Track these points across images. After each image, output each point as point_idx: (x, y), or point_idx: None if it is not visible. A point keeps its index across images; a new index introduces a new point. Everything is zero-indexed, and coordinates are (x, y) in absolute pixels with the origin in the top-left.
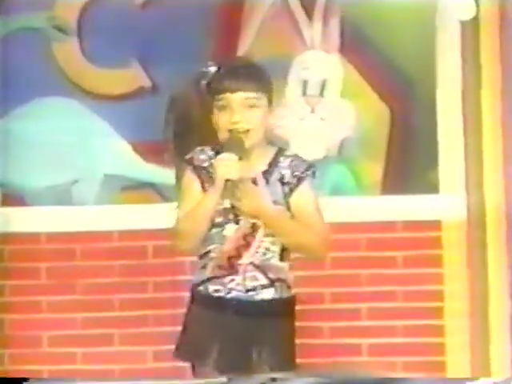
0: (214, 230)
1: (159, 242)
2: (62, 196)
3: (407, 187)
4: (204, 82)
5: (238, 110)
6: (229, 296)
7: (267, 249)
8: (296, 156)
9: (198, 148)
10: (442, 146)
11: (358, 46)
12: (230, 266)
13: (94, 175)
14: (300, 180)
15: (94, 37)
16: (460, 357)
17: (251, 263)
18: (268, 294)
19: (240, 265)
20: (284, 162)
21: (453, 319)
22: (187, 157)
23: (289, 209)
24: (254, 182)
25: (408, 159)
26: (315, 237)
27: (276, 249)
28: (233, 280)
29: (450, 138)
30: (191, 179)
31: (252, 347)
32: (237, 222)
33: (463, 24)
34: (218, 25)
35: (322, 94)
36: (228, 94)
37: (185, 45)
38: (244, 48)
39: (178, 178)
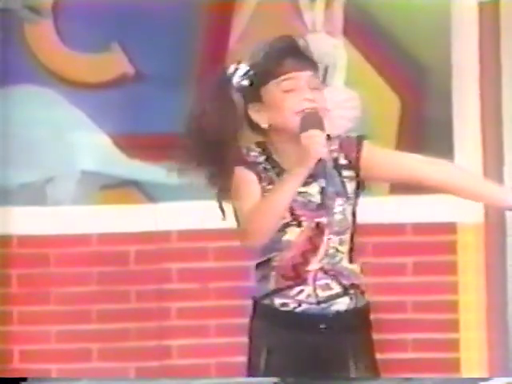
0: (275, 235)
1: (142, 246)
2: (34, 195)
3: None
4: (241, 82)
5: (307, 88)
6: (298, 310)
7: (336, 250)
8: (341, 136)
9: (243, 147)
10: (457, 140)
11: (364, 28)
12: (297, 274)
13: (71, 172)
14: (359, 149)
15: (70, 18)
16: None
17: (321, 269)
18: (343, 304)
19: (308, 272)
20: (333, 145)
21: (468, 332)
22: (236, 157)
23: (349, 196)
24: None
25: (420, 154)
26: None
27: (345, 249)
28: (302, 291)
29: (467, 131)
30: (247, 174)
31: (332, 364)
32: (299, 225)
33: (481, 6)
34: (209, 6)
35: (324, 81)
36: (294, 74)
37: (171, 26)
38: (238, 31)
39: (227, 184)
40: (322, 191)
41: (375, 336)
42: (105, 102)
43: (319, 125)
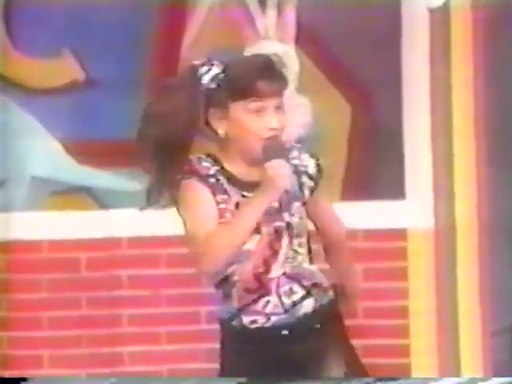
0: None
1: (93, 253)
2: None
3: (369, 193)
4: (210, 83)
5: (273, 114)
6: (269, 324)
7: (296, 252)
8: (299, 146)
9: (193, 157)
10: (408, 148)
11: (316, 36)
12: (260, 285)
13: (21, 178)
14: (320, 172)
15: (22, 23)
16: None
17: (283, 274)
18: (308, 305)
19: (271, 280)
20: (292, 153)
21: (419, 338)
22: (186, 167)
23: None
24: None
25: (371, 162)
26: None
27: (304, 251)
28: (268, 302)
29: (417, 140)
30: (200, 190)
31: (316, 368)
32: (258, 231)
33: (432, 12)
34: (160, 12)
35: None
36: (264, 99)
37: (122, 33)
38: (190, 37)
39: (173, 194)
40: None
41: None
42: (56, 108)
43: (283, 154)
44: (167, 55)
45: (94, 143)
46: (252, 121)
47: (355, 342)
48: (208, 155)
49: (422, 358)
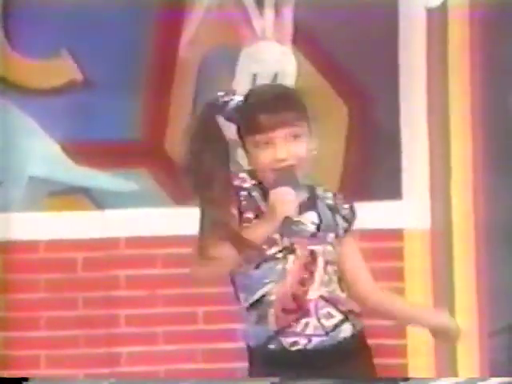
0: (266, 265)
1: (90, 253)
2: None
3: (366, 193)
4: (225, 115)
5: (282, 145)
6: (311, 346)
7: (330, 279)
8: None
9: (235, 170)
10: (405, 148)
11: (313, 36)
12: (299, 305)
13: (18, 178)
14: (349, 225)
15: (19, 22)
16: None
17: (321, 297)
18: (347, 330)
19: (309, 301)
20: (325, 193)
21: (416, 338)
22: (226, 175)
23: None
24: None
25: (368, 162)
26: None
27: (336, 278)
28: (307, 324)
29: (415, 140)
30: (227, 205)
31: None
32: (292, 251)
33: (429, 12)
34: (157, 12)
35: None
36: (269, 131)
37: (120, 33)
38: (187, 38)
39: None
40: (317, 222)
41: None
42: (53, 109)
43: (291, 182)
44: (165, 55)
45: (92, 144)
46: (261, 153)
47: None
48: (249, 172)
49: (419, 359)
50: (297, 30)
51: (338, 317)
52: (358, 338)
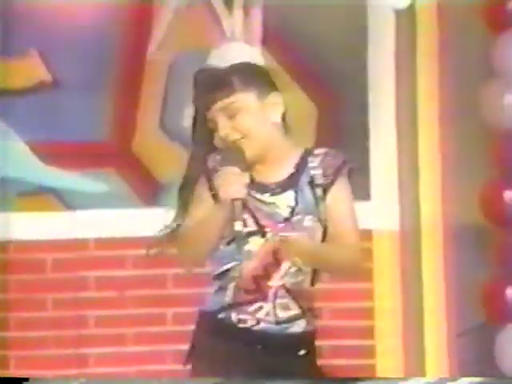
0: (235, 244)
1: (60, 254)
2: None
3: None
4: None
5: (222, 122)
6: (256, 328)
7: (299, 269)
8: (327, 152)
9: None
10: (373, 149)
11: (282, 37)
12: (258, 288)
13: None
14: (333, 179)
15: None
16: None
17: (282, 286)
18: (299, 326)
19: (269, 288)
20: (314, 162)
21: (384, 339)
22: (204, 157)
23: (321, 216)
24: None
25: None
26: (349, 253)
27: (308, 270)
28: (261, 308)
29: (383, 140)
30: (202, 185)
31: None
32: (263, 235)
33: (398, 13)
34: (126, 13)
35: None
36: (205, 111)
37: (89, 34)
38: (157, 39)
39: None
40: (293, 205)
41: None
42: (22, 109)
43: (235, 159)
44: (134, 56)
45: (61, 144)
46: (215, 136)
47: (321, 343)
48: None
49: (388, 359)
50: (266, 31)
51: (295, 311)
52: (308, 336)
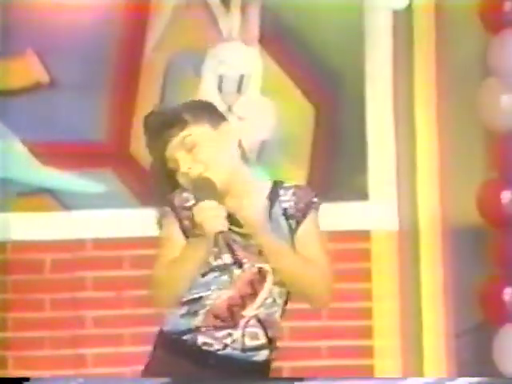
0: (212, 275)
1: (58, 254)
2: None
3: (333, 194)
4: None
5: (182, 157)
6: (221, 353)
7: (274, 301)
8: (297, 186)
9: (179, 189)
10: (371, 149)
11: (280, 37)
12: (231, 316)
13: None
14: (306, 212)
15: None
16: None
17: (255, 316)
18: (263, 355)
19: (242, 317)
20: (285, 195)
21: (382, 338)
22: (168, 196)
23: (294, 247)
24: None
25: (334, 163)
26: (320, 278)
27: (281, 302)
28: (230, 335)
29: (381, 140)
30: (171, 223)
31: None
32: (240, 266)
33: (395, 14)
34: (123, 13)
35: (239, 90)
36: (164, 147)
37: (86, 34)
38: (153, 39)
39: (159, 220)
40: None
41: (290, 343)
42: (19, 109)
43: (210, 193)
44: (131, 57)
45: (58, 145)
46: (177, 175)
47: (320, 343)
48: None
49: (386, 359)
50: (263, 31)
51: (262, 340)
52: (267, 363)
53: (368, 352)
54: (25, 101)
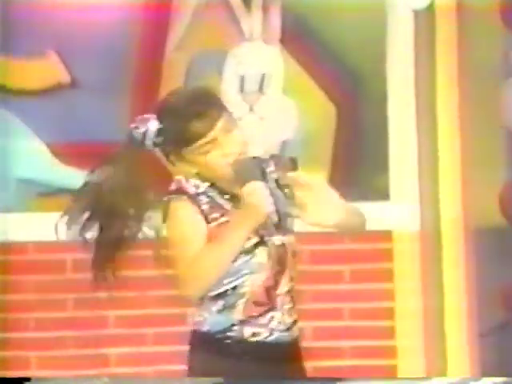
0: (243, 259)
1: (79, 254)
2: None
3: (355, 194)
4: (154, 141)
5: (225, 140)
6: (270, 339)
7: (295, 272)
8: (272, 156)
9: (180, 177)
10: (393, 149)
11: (301, 36)
12: (269, 299)
13: (6, 180)
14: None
15: (6, 23)
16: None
17: (288, 292)
18: (297, 329)
19: (278, 296)
20: (270, 166)
21: (405, 339)
22: (173, 187)
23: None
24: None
25: (356, 163)
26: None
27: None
28: (272, 318)
29: (402, 140)
30: (189, 211)
31: None
32: (264, 244)
33: (417, 13)
34: (144, 14)
35: (261, 90)
36: (206, 137)
37: (107, 34)
38: (175, 39)
39: (163, 214)
40: (277, 211)
41: (313, 343)
42: (41, 110)
43: (256, 174)
44: (152, 56)
45: (79, 145)
46: (209, 157)
47: (343, 343)
48: (197, 174)
49: (409, 359)
50: (284, 31)
51: (294, 315)
52: (299, 339)
53: (391, 352)
54: (46, 101)
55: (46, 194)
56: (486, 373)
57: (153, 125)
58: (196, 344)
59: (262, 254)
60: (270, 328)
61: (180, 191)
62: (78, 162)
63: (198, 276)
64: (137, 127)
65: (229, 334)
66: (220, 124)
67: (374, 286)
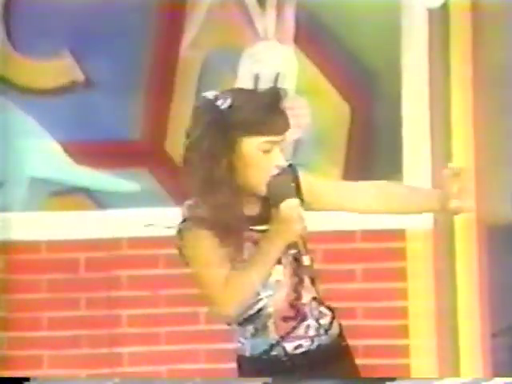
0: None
1: (92, 253)
2: None
3: None
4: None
5: (279, 151)
6: (314, 347)
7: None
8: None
9: (190, 200)
10: (406, 148)
11: (315, 36)
12: (296, 312)
13: (20, 179)
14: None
15: (21, 23)
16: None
17: (312, 298)
18: (336, 326)
19: (305, 305)
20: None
21: (418, 339)
22: (185, 212)
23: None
24: None
25: (369, 162)
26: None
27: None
28: (308, 326)
29: (416, 139)
30: (201, 236)
31: None
32: (279, 262)
33: (431, 12)
34: (159, 12)
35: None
36: (275, 136)
37: (121, 33)
38: (189, 38)
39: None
40: None
41: None
42: (54, 109)
43: (293, 192)
44: (166, 56)
45: (93, 144)
46: (261, 158)
47: (354, 343)
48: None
49: (422, 359)
50: (298, 30)
51: (328, 313)
52: (343, 334)
53: (404, 351)
54: (60, 100)
55: (59, 193)
56: (499, 373)
57: (229, 99)
58: (246, 368)
59: (277, 271)
60: (309, 336)
61: (190, 216)
62: (91, 161)
63: (234, 296)
64: (216, 96)
65: (272, 353)
66: (285, 136)
67: (387, 285)
